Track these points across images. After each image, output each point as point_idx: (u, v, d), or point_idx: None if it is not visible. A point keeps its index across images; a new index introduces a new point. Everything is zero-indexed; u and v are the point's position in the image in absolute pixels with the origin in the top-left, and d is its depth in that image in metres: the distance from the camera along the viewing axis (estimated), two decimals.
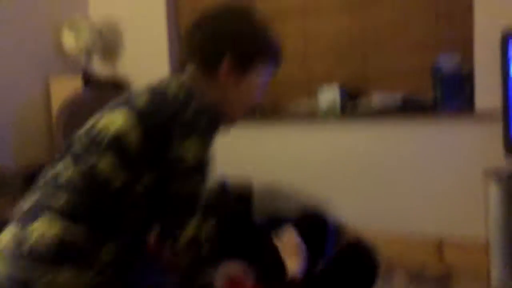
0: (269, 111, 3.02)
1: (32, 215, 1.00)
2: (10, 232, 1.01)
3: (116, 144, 1.01)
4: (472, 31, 2.36)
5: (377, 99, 2.64)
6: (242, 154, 3.04)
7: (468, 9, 2.40)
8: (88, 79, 3.30)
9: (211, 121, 1.05)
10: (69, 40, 3.33)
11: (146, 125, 1.01)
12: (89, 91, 3.03)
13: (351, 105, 2.68)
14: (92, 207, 1.00)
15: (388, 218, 2.64)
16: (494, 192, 2.00)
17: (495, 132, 2.27)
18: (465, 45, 2.45)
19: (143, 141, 1.00)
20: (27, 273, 0.95)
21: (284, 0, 2.96)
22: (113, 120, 1.04)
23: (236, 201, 2.64)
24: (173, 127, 1.00)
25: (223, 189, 2.73)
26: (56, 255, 0.96)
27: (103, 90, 3.01)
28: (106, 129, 1.03)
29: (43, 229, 0.97)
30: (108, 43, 3.59)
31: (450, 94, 2.39)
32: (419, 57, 2.60)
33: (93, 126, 1.07)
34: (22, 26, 3.25)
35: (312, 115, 2.81)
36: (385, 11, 2.67)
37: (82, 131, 1.10)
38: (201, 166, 1.04)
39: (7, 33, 3.16)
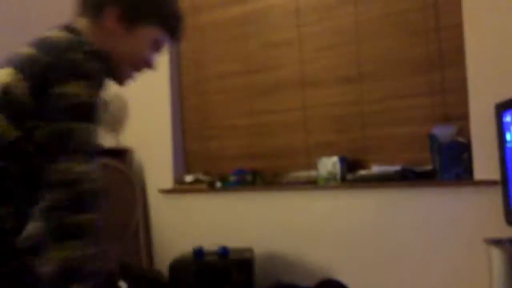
0: (269, 179, 3.06)
1: None
2: None
3: (3, 99, 0.99)
4: (467, 104, 2.43)
5: (376, 170, 2.67)
6: (243, 222, 3.03)
7: (462, 82, 2.48)
8: None
9: (98, 65, 1.04)
10: None
11: (30, 74, 0.99)
12: None
13: (351, 175, 2.70)
14: None
15: (389, 286, 2.58)
16: (497, 261, 1.96)
17: (495, 200, 2.28)
18: (460, 115, 2.51)
19: (30, 92, 0.98)
20: None
21: (283, 72, 3.08)
22: None
23: (237, 269, 2.60)
24: (54, 70, 0.98)
25: (224, 256, 2.69)
26: None
27: (105, 158, 3.06)
28: None
29: None
30: (114, 115, 3.69)
31: (449, 162, 2.42)
32: (416, 127, 2.65)
33: None
34: None
35: (312, 183, 2.83)
36: (382, 84, 2.76)
37: None
38: (87, 106, 0.99)
39: None
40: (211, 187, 3.18)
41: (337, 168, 2.71)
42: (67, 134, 0.96)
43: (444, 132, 2.48)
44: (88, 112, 0.99)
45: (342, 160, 2.73)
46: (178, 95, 3.50)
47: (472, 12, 2.41)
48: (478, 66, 2.38)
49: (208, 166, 3.35)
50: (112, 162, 3.14)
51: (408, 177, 2.55)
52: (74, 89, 0.97)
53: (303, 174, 2.92)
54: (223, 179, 3.18)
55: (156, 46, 1.26)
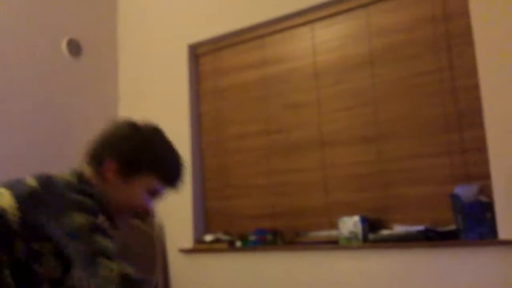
0: (289, 238, 3.05)
1: None
2: None
3: None
4: (488, 163, 2.45)
5: (399, 230, 2.66)
6: (264, 282, 3.00)
7: (482, 142, 2.51)
8: None
9: (95, 205, 1.21)
10: None
11: (26, 207, 1.19)
12: None
13: (373, 235, 2.69)
14: None
15: None
16: None
17: None
18: (481, 175, 2.52)
19: (23, 218, 1.18)
20: None
21: (303, 132, 3.14)
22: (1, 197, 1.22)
23: None
24: (56, 206, 1.18)
25: None
26: None
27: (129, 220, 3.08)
28: None
29: None
30: None
31: (472, 222, 2.40)
32: (437, 187, 2.66)
33: None
34: (56, 163, 3.44)
35: (334, 243, 2.81)
36: (401, 144, 2.80)
37: None
38: (86, 229, 1.15)
39: (42, 169, 3.33)
40: (231, 247, 3.17)
41: (359, 228, 2.71)
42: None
43: (466, 191, 2.48)
44: (86, 233, 1.16)
45: (364, 220, 2.73)
46: (198, 154, 3.56)
47: (488, 73, 2.47)
48: (497, 125, 2.42)
49: (228, 225, 3.36)
50: (133, 221, 3.17)
51: (431, 237, 2.54)
52: (76, 219, 1.16)
53: (324, 233, 2.92)
54: (243, 239, 3.18)
55: (153, 193, 1.37)
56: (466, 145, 2.62)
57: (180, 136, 3.56)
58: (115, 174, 1.32)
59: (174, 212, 3.45)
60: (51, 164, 3.38)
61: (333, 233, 2.87)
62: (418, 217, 2.69)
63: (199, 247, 3.30)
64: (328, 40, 3.14)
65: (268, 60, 3.36)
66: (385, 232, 2.67)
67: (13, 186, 1.25)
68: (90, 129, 3.66)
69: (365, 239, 2.71)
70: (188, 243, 3.35)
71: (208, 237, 3.29)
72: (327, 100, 3.09)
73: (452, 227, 2.52)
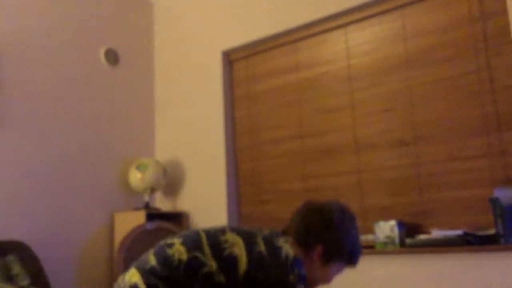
0: None
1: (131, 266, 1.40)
2: (118, 281, 1.41)
3: (229, 261, 1.35)
4: None
5: (437, 234, 2.60)
6: None
7: None
8: (150, 214, 3.45)
9: (300, 282, 1.35)
10: (135, 179, 3.55)
11: (253, 268, 1.34)
12: (151, 225, 3.15)
13: (410, 240, 2.64)
14: (164, 280, 1.31)
15: None
16: None
17: None
18: None
19: (247, 274, 1.33)
20: None
21: (337, 136, 3.12)
22: (236, 245, 1.38)
23: None
24: (275, 285, 1.33)
25: None
26: None
27: (164, 223, 3.13)
28: (230, 246, 1.37)
29: (128, 278, 1.36)
30: (171, 180, 3.81)
31: None
32: (476, 190, 2.60)
33: (216, 234, 1.40)
34: (94, 167, 3.53)
35: (370, 248, 2.78)
36: (438, 147, 2.75)
37: (204, 229, 1.44)
38: None
39: (81, 173, 3.43)
40: None
41: (395, 232, 2.67)
42: None
43: (506, 194, 2.41)
44: None
45: (400, 224, 2.69)
46: (233, 159, 3.59)
47: None
48: None
49: None
50: (169, 225, 3.22)
51: (471, 242, 2.47)
52: None
53: (360, 238, 2.88)
54: None
55: (337, 272, 1.56)
56: (505, 146, 2.55)
57: (214, 141, 3.60)
58: (318, 257, 1.49)
59: (210, 216, 3.49)
60: (85, 168, 3.47)
61: (369, 237, 2.83)
62: (456, 221, 2.63)
63: None
64: (362, 43, 3.12)
65: (302, 65, 3.36)
66: (422, 237, 2.62)
67: (245, 240, 1.40)
68: (126, 135, 3.76)
69: (402, 244, 2.66)
70: None
71: None
72: (362, 103, 3.06)
73: (492, 231, 2.45)
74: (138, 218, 3.36)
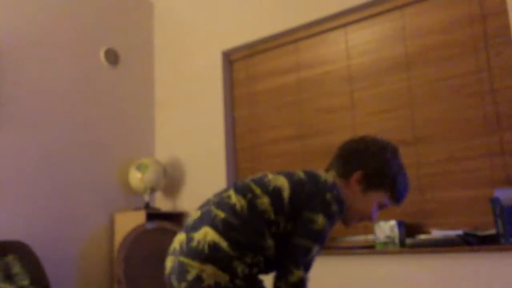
0: (326, 243, 3.02)
1: (195, 226, 1.38)
2: (177, 238, 1.42)
3: (276, 192, 1.40)
4: None
5: (437, 234, 2.60)
6: None
7: None
8: (150, 214, 3.45)
9: (339, 210, 1.41)
10: (135, 179, 3.55)
11: (296, 190, 1.41)
12: (151, 224, 3.15)
13: (410, 240, 2.64)
14: (239, 229, 1.33)
15: None
16: None
17: None
18: None
19: (291, 198, 1.40)
20: (184, 266, 1.32)
21: (336, 136, 3.12)
22: (278, 179, 1.45)
23: None
24: (313, 199, 1.39)
25: None
26: (207, 255, 1.30)
27: (164, 223, 3.13)
28: (273, 181, 1.44)
29: (202, 236, 1.34)
30: (171, 180, 3.81)
31: None
32: (476, 190, 2.60)
33: (261, 178, 1.47)
34: (94, 167, 3.53)
35: (370, 247, 2.78)
36: (438, 147, 2.75)
37: (250, 178, 1.51)
38: (321, 234, 1.37)
39: (81, 173, 3.43)
40: None
41: (396, 232, 2.67)
42: (306, 249, 1.37)
43: (506, 195, 2.41)
44: (320, 237, 1.38)
45: (400, 224, 2.69)
46: (233, 159, 3.59)
47: None
48: None
49: None
50: (169, 225, 3.22)
51: (471, 242, 2.47)
52: (320, 219, 1.37)
53: (360, 238, 2.88)
54: None
55: (380, 206, 1.56)
56: (506, 147, 2.55)
57: (214, 141, 3.60)
58: (357, 184, 1.50)
59: None
60: (85, 168, 3.47)
61: (369, 237, 2.84)
62: (456, 222, 2.63)
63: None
64: (362, 43, 3.12)
65: (302, 65, 3.36)
66: (422, 237, 2.62)
67: (285, 174, 1.47)
68: (126, 135, 3.75)
69: (402, 244, 2.66)
70: None
71: None
72: (362, 103, 3.06)
73: (492, 231, 2.45)
74: (138, 218, 3.36)
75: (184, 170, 3.75)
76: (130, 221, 3.39)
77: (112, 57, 3.78)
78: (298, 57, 3.39)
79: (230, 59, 3.72)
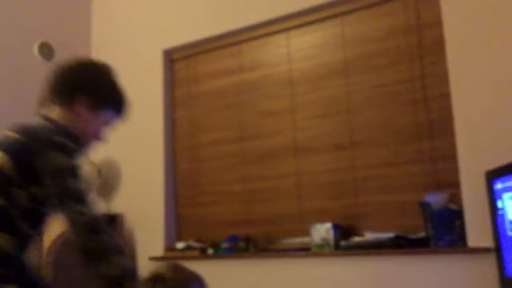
0: (262, 245, 3.02)
1: None
2: None
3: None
4: (458, 171, 2.47)
5: (370, 237, 2.66)
6: None
7: (452, 151, 2.53)
8: None
9: (68, 139, 1.40)
10: None
11: (17, 158, 1.35)
12: None
13: (345, 242, 2.69)
14: None
15: None
16: None
17: (489, 268, 2.27)
18: (451, 183, 2.54)
19: (18, 169, 1.34)
20: None
21: (277, 139, 3.13)
22: None
23: None
24: (38, 149, 1.35)
25: None
26: None
27: None
28: None
29: None
30: (106, 181, 3.69)
31: (441, 230, 2.42)
32: (408, 195, 2.67)
33: None
34: None
35: (306, 250, 2.80)
36: (373, 152, 2.82)
37: None
38: (70, 169, 1.35)
39: None
40: (203, 254, 3.13)
41: (331, 235, 2.70)
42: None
43: (436, 199, 2.50)
44: (72, 172, 1.36)
45: (336, 227, 2.73)
46: (171, 161, 3.53)
47: (459, 82, 2.51)
48: (467, 134, 2.45)
49: (201, 232, 3.32)
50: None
51: (402, 245, 2.54)
52: (55, 157, 1.35)
53: (297, 240, 2.90)
54: (216, 246, 3.14)
55: (108, 124, 1.64)
56: (436, 153, 2.64)
57: (153, 141, 3.52)
58: (86, 110, 1.53)
59: (145, 218, 3.40)
60: None
61: (305, 240, 2.86)
62: (389, 224, 2.70)
63: (170, 255, 3.25)
64: (303, 48, 3.15)
65: (244, 67, 3.35)
66: (356, 239, 2.67)
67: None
68: None
69: (336, 246, 2.70)
70: (159, 250, 3.30)
71: (180, 245, 3.24)
72: (302, 107, 3.09)
73: (422, 234, 2.54)
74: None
75: (119, 171, 3.64)
76: (59, 223, 3.24)
77: (47, 51, 3.61)
78: (240, 59, 3.38)
79: (172, 58, 3.65)
